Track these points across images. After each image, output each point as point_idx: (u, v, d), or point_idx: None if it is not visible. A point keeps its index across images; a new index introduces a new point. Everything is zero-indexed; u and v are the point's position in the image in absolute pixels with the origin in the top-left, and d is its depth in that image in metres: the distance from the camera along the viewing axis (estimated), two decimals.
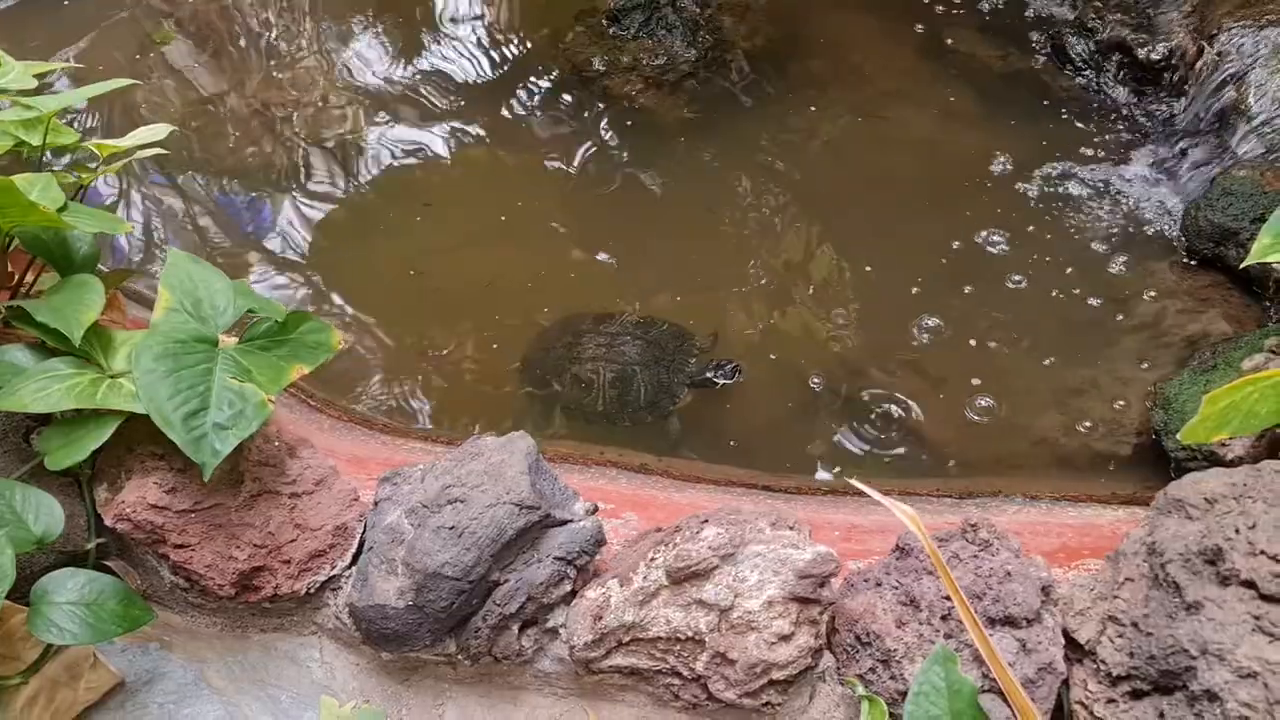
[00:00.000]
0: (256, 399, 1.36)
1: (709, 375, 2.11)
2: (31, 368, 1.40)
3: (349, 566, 1.49)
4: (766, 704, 1.34)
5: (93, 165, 1.83)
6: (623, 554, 1.50)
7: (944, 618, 1.32)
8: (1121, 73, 2.68)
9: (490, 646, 1.39)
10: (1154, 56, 2.59)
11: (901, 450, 2.05)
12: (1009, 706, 1.17)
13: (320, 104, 2.79)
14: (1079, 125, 2.65)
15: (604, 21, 2.92)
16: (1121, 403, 2.06)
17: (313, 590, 1.46)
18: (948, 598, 1.32)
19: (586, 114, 2.77)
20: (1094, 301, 2.25)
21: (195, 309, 1.44)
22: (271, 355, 1.45)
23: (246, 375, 1.39)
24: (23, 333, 1.49)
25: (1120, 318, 2.22)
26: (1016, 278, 2.30)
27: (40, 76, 1.81)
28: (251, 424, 1.34)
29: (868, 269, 2.36)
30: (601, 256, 2.39)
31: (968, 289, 2.29)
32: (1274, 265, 2.09)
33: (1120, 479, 1.97)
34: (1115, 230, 2.39)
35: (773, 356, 2.21)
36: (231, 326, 1.47)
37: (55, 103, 1.71)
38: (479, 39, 2.98)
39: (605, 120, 2.75)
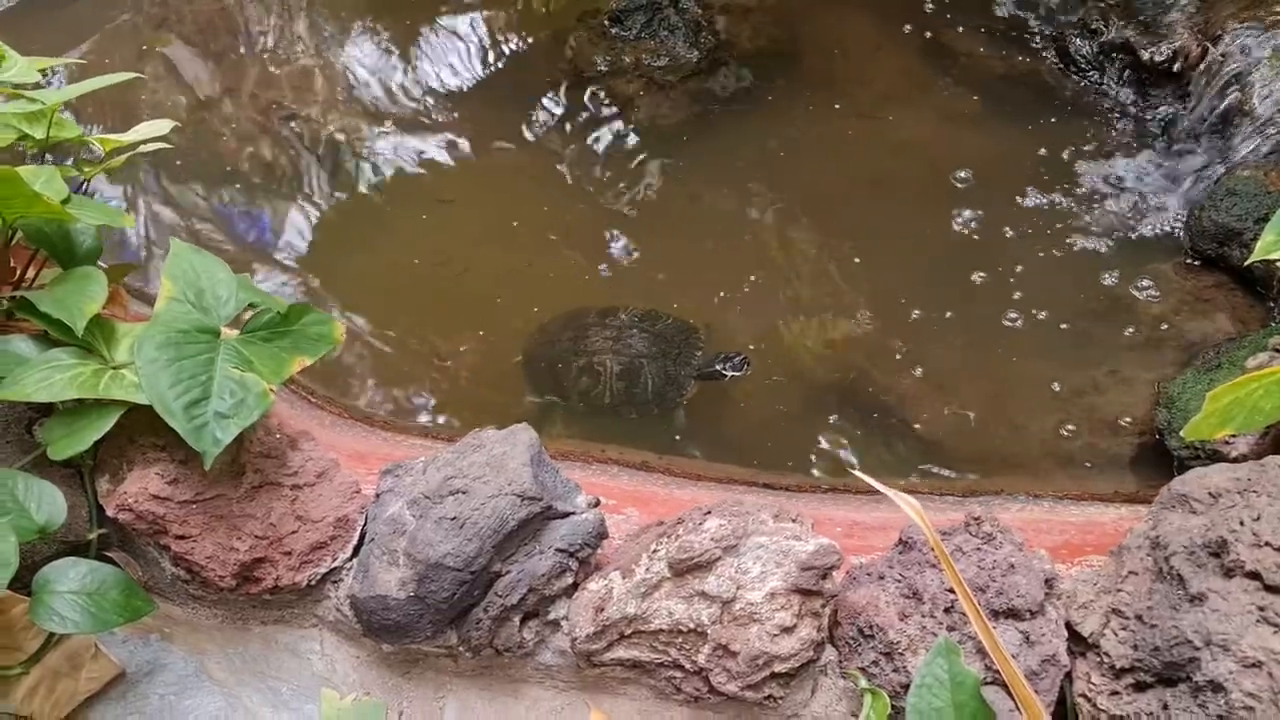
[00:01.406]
0: (258, 388, 1.35)
1: (717, 367, 2.11)
2: (34, 358, 1.41)
3: (350, 558, 1.48)
4: (768, 697, 1.33)
5: (96, 159, 1.83)
6: (624, 547, 1.49)
7: (947, 610, 1.32)
8: (1125, 74, 2.68)
9: (492, 638, 1.39)
10: (1158, 58, 2.59)
11: (903, 449, 2.05)
12: (1012, 699, 1.16)
13: (322, 106, 2.80)
14: (1082, 126, 2.64)
15: (606, 22, 2.93)
16: (1125, 402, 2.05)
17: (314, 582, 1.46)
18: (951, 590, 1.32)
19: (588, 114, 2.77)
20: (1097, 302, 2.25)
21: (198, 299, 1.44)
22: (273, 346, 1.45)
23: (248, 365, 1.38)
24: (26, 324, 1.49)
25: (1124, 318, 2.21)
26: (1019, 278, 2.30)
27: (42, 73, 1.81)
28: (253, 413, 1.34)
29: (869, 268, 2.36)
30: (604, 255, 2.39)
31: (969, 289, 2.29)
32: (1278, 264, 2.08)
33: (1123, 478, 1.96)
34: (1119, 231, 2.39)
35: (773, 354, 2.21)
36: (233, 319, 1.47)
37: (58, 95, 1.71)
38: (480, 40, 2.98)
39: (607, 121, 2.75)
